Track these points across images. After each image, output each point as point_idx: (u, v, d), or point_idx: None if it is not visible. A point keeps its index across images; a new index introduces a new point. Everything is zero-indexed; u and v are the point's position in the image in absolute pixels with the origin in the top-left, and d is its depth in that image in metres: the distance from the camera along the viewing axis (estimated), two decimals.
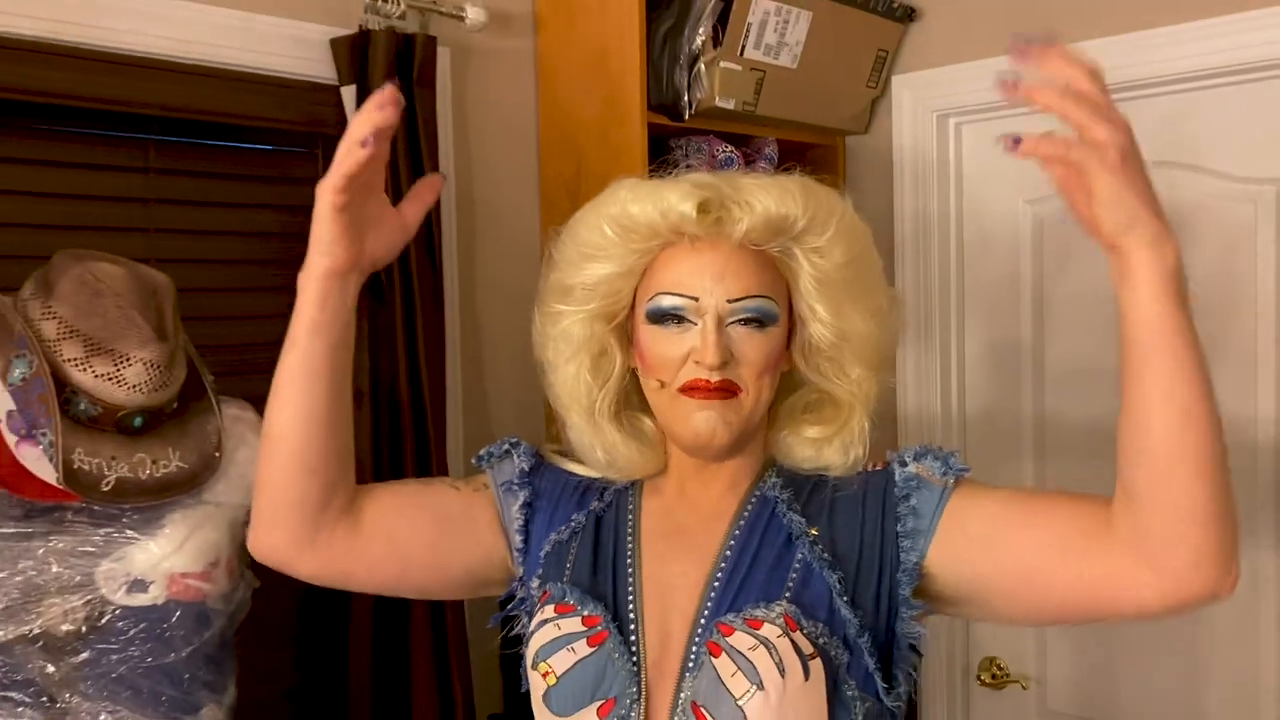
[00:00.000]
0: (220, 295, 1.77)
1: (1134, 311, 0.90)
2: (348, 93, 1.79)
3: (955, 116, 2.21)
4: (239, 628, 1.39)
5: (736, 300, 1.07)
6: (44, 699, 1.22)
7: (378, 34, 1.77)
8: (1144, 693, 2.04)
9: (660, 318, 1.09)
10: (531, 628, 1.11)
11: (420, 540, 1.15)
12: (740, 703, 0.99)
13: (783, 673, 0.99)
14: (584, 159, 2.03)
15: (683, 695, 1.04)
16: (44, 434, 1.17)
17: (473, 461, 1.26)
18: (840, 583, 1.06)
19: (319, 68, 1.79)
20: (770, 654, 0.99)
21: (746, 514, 1.13)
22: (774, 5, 1.96)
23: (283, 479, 1.07)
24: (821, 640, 1.03)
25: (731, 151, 2.05)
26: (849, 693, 1.04)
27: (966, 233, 2.24)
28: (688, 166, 2.04)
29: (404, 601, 1.75)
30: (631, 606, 1.10)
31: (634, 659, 1.07)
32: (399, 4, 1.80)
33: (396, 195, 1.73)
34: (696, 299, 1.07)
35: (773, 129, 2.14)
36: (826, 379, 1.14)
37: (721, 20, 1.93)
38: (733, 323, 1.08)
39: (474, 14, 1.91)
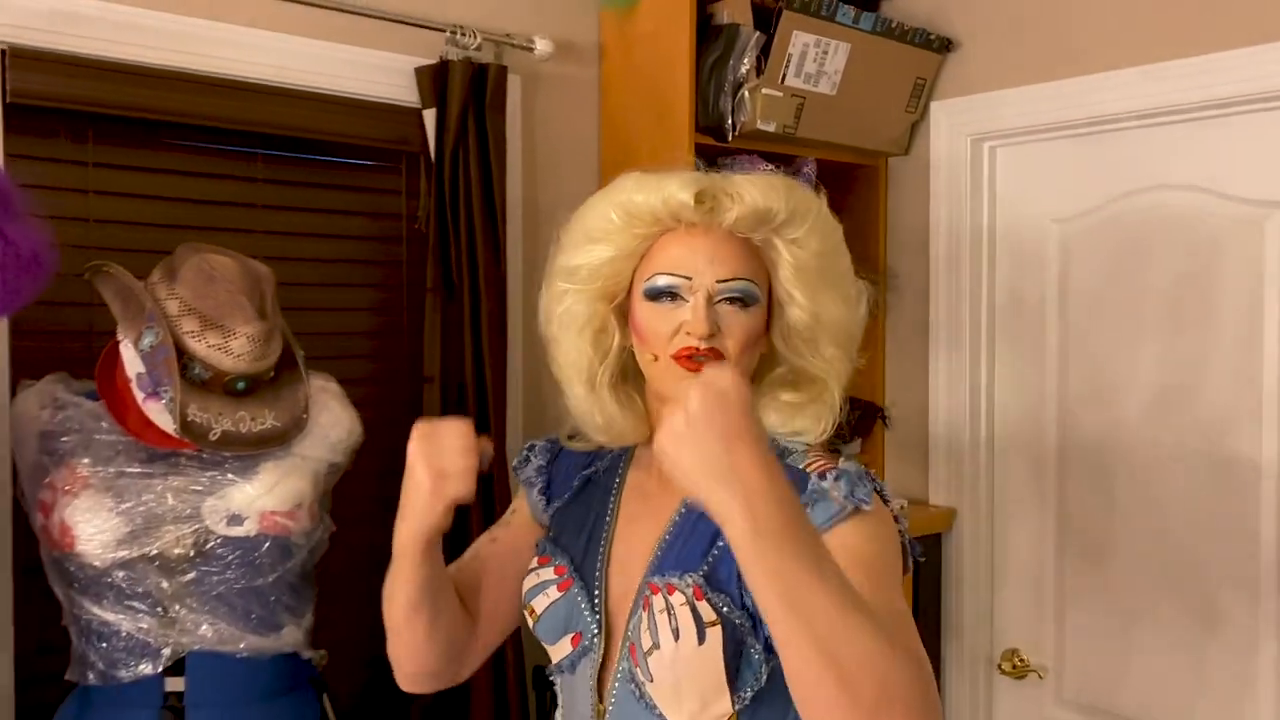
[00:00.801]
0: (313, 288, 2.03)
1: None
2: (429, 115, 2.03)
3: (989, 140, 2.36)
4: (317, 563, 1.63)
5: (725, 280, 1.18)
6: (159, 609, 1.47)
7: (456, 64, 2.01)
8: (1156, 685, 2.15)
9: (657, 295, 1.20)
10: (525, 575, 1.30)
11: (514, 609, 1.32)
12: (646, 654, 1.15)
13: (676, 636, 1.13)
14: None
15: (628, 634, 1.21)
16: (166, 391, 1.42)
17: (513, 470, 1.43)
18: None
19: (404, 93, 2.04)
20: (671, 619, 1.14)
21: None
22: (813, 38, 2.15)
23: (414, 666, 1.25)
24: (724, 609, 1.14)
25: (772, 170, 2.24)
26: (754, 655, 1.14)
27: (999, 249, 2.38)
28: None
29: None
30: (599, 559, 1.26)
31: (595, 602, 1.23)
32: (475, 37, 2.04)
33: (469, 211, 1.98)
34: (690, 278, 1.18)
35: (812, 149, 2.32)
36: (803, 358, 1.24)
37: (764, 51, 2.12)
38: (720, 301, 1.18)
39: (542, 45, 2.15)
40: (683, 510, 1.23)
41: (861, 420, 2.51)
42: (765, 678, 1.15)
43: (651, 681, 1.16)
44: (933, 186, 2.43)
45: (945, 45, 2.35)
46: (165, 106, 1.78)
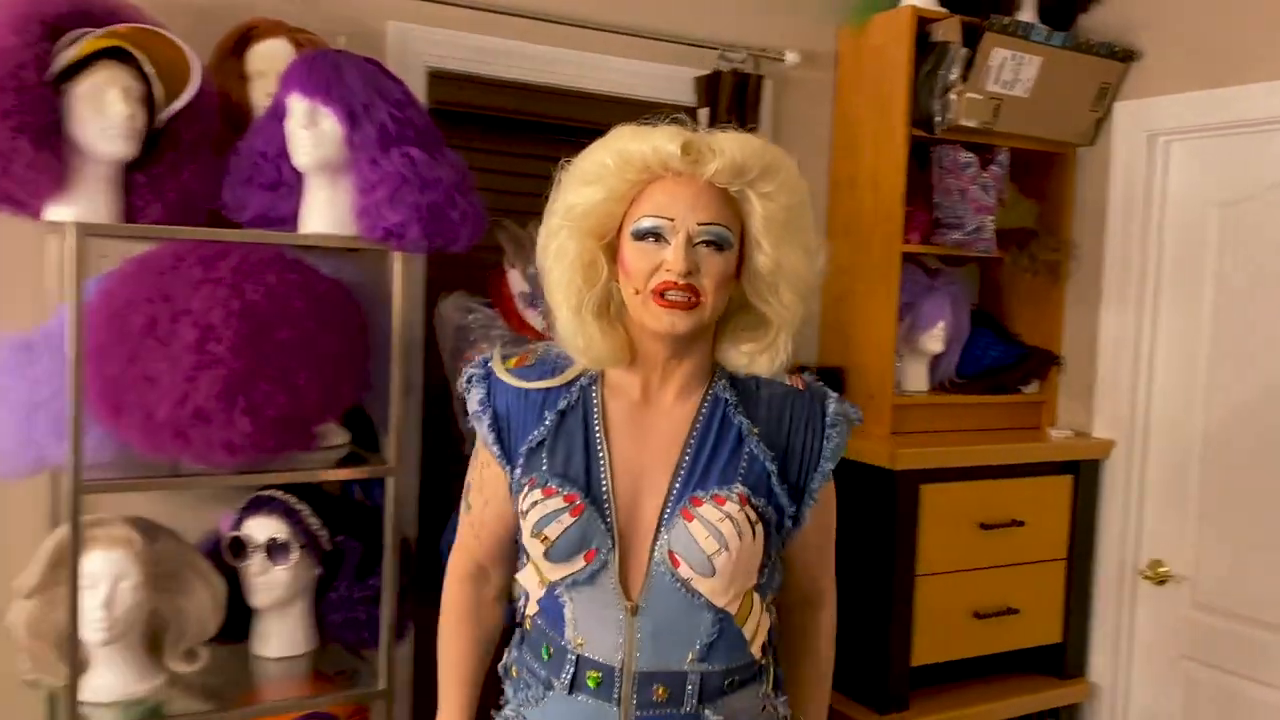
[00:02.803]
0: None
1: None
2: (703, 113, 2.69)
3: (1163, 136, 2.80)
4: None
5: (704, 224, 1.28)
6: None
7: (725, 74, 2.67)
8: None
9: (643, 235, 1.29)
10: (524, 507, 1.36)
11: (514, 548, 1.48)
12: (711, 557, 1.31)
13: (740, 537, 1.32)
14: (860, 160, 2.84)
15: (659, 545, 1.34)
16: (540, 303, 2.16)
17: (461, 389, 1.48)
18: (776, 469, 1.38)
19: (684, 96, 2.71)
20: (734, 525, 1.32)
21: (703, 413, 1.39)
22: (1010, 53, 2.68)
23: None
24: (762, 510, 1.36)
25: (971, 157, 2.78)
26: (775, 539, 1.40)
27: (1165, 227, 2.82)
28: (941, 169, 2.81)
29: None
30: (605, 483, 1.36)
31: (607, 521, 1.35)
32: (740, 52, 2.70)
33: None
34: (673, 219, 1.28)
35: (1008, 141, 2.84)
36: (765, 302, 1.35)
37: (969, 63, 2.67)
38: (699, 243, 1.28)
39: (791, 57, 2.78)
40: (696, 428, 1.38)
41: (1039, 365, 3.02)
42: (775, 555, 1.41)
43: (712, 575, 1.32)
44: (1112, 173, 2.89)
45: (1128, 56, 2.81)
46: (528, 110, 2.53)
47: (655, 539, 1.35)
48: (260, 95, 2.01)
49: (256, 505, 2.00)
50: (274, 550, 1.96)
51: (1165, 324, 2.84)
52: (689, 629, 1.35)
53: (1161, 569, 2.80)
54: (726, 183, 1.30)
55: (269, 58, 2.00)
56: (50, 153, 1.71)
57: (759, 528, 1.34)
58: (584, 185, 1.33)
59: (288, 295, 1.77)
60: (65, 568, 1.77)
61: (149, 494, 2.03)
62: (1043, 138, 2.89)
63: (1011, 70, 2.71)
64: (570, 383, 1.40)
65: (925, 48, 2.71)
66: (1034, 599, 2.82)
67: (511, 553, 1.48)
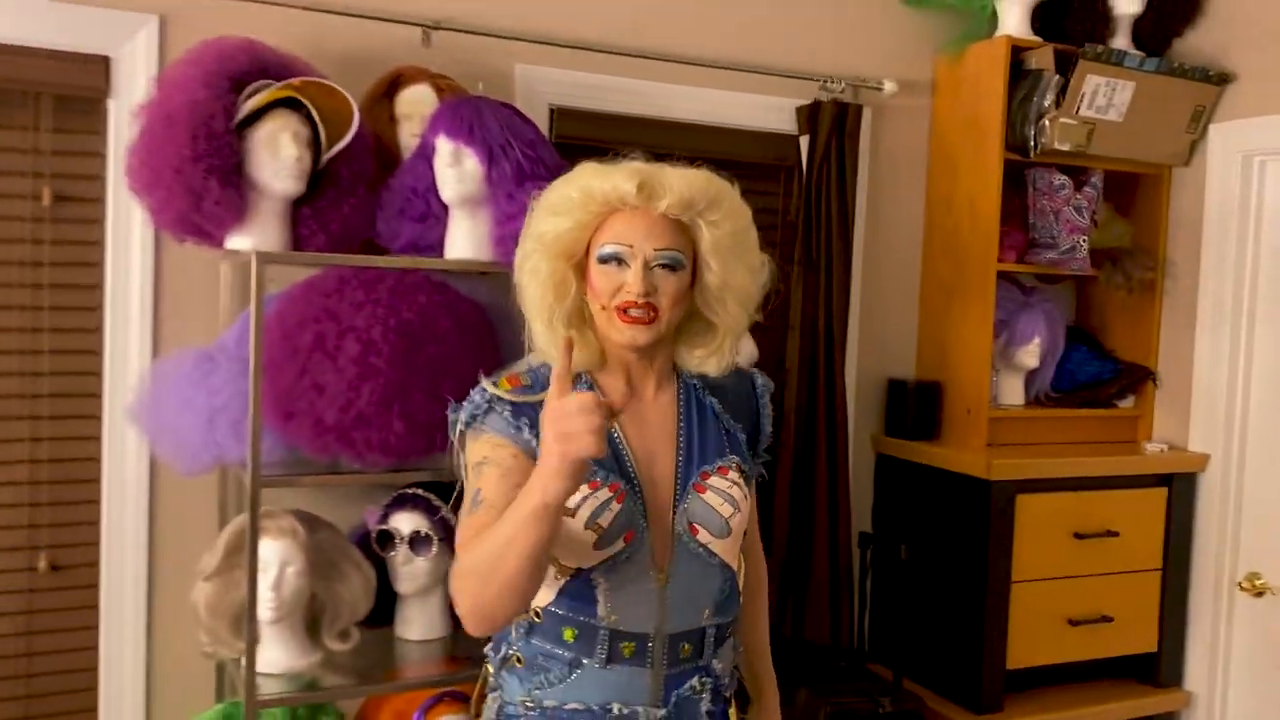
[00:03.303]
0: None
1: None
2: (804, 140, 2.86)
3: (1259, 156, 2.87)
4: None
5: (660, 249, 1.46)
6: None
7: (825, 104, 2.83)
8: None
9: (606, 259, 1.46)
10: (572, 504, 1.42)
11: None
12: (727, 519, 1.52)
13: (745, 497, 1.56)
14: (956, 183, 2.96)
15: (679, 518, 1.51)
16: None
17: (461, 429, 1.50)
18: (744, 438, 1.63)
19: (786, 125, 2.88)
20: (740, 489, 1.55)
21: (682, 400, 1.59)
22: (1103, 80, 2.78)
23: (501, 612, 1.32)
24: (746, 471, 1.60)
25: (1065, 179, 2.89)
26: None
27: (1261, 246, 2.88)
28: (1035, 191, 2.92)
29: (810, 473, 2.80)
30: (632, 470, 1.52)
31: (640, 503, 1.50)
32: (840, 83, 2.86)
33: (828, 208, 2.80)
34: (631, 246, 1.45)
35: (1102, 163, 2.94)
36: (714, 314, 1.54)
37: (1062, 90, 2.78)
38: (655, 266, 1.46)
39: (889, 86, 2.93)
40: (681, 414, 1.58)
41: (1135, 380, 3.10)
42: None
43: (728, 536, 1.52)
44: (1208, 193, 2.96)
45: (1223, 79, 2.88)
46: (641, 141, 2.70)
47: (675, 514, 1.52)
48: (406, 135, 2.24)
49: (401, 501, 2.22)
50: (417, 542, 2.18)
51: (1261, 339, 2.89)
52: (706, 589, 1.53)
53: (1259, 581, 2.85)
54: (678, 214, 1.47)
55: (415, 102, 2.24)
56: (234, 190, 1.96)
57: (749, 489, 1.60)
58: (552, 215, 1.49)
59: (435, 314, 1.99)
60: (241, 554, 2.02)
61: (304, 490, 2.27)
62: (1138, 159, 2.97)
63: (1105, 96, 2.81)
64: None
65: (1019, 75, 2.83)
66: (1129, 608, 2.89)
67: None
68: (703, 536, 1.51)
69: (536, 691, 1.51)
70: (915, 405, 2.93)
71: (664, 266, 1.46)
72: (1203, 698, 2.97)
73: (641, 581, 1.48)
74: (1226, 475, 2.92)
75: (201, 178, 1.92)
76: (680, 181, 1.47)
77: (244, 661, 1.96)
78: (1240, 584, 2.89)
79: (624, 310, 1.46)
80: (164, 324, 2.29)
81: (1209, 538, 2.96)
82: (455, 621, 2.27)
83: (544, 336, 1.52)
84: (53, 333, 2.26)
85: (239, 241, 2.03)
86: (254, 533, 1.93)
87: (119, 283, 2.26)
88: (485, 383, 1.51)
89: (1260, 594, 2.85)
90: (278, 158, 1.99)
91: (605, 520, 1.45)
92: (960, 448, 2.83)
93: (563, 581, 1.49)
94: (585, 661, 1.49)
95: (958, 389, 2.92)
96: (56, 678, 2.31)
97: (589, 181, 1.48)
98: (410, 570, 2.20)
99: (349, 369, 1.90)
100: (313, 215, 2.07)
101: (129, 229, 2.25)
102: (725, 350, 1.57)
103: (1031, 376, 3.06)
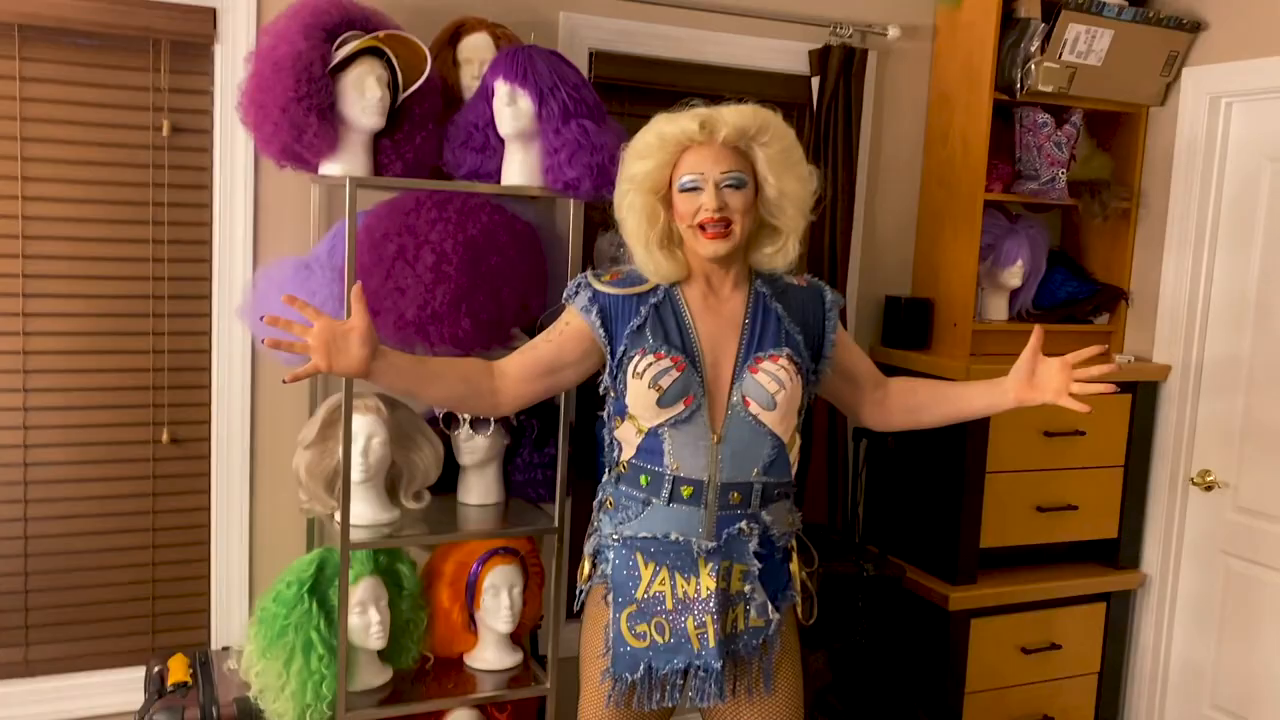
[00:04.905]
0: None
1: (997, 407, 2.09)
2: (814, 81, 3.20)
3: (1225, 98, 3.18)
4: None
5: (725, 172, 1.82)
6: None
7: (834, 48, 3.16)
8: None
9: (685, 188, 1.84)
10: (639, 369, 1.85)
11: (542, 387, 1.97)
12: (774, 395, 1.86)
13: (791, 378, 1.88)
14: (953, 119, 3.29)
15: (735, 392, 1.88)
16: None
17: (563, 299, 2.03)
18: (802, 339, 1.95)
19: (799, 67, 3.22)
20: (786, 374, 1.88)
21: (750, 302, 1.94)
22: (1084, 28, 3.10)
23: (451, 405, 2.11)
24: (799, 363, 1.92)
25: (1048, 117, 3.22)
26: (807, 386, 1.97)
27: (1226, 178, 3.20)
28: (1022, 128, 3.25)
29: None
30: (696, 350, 1.89)
31: (699, 375, 1.87)
32: (848, 28, 3.19)
33: (835, 143, 3.15)
34: (703, 173, 1.82)
35: (1082, 103, 3.26)
36: (775, 218, 1.90)
37: (1047, 37, 3.09)
38: (724, 186, 1.82)
39: (893, 32, 3.26)
40: (748, 312, 1.94)
41: (1109, 299, 3.45)
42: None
43: (774, 409, 1.87)
44: (1179, 131, 3.28)
45: (1195, 26, 3.19)
46: (671, 81, 3.09)
47: (732, 388, 1.89)
48: (468, 78, 2.62)
49: None
50: (476, 423, 2.61)
51: (1221, 264, 3.23)
52: (755, 452, 1.89)
53: (1209, 477, 3.23)
54: (735, 142, 1.84)
55: (474, 48, 2.61)
56: (329, 125, 2.35)
57: (799, 377, 1.93)
58: (639, 160, 1.88)
59: (496, 231, 2.38)
60: (334, 427, 2.46)
61: None
62: (1116, 100, 3.29)
63: (1085, 42, 3.13)
64: (655, 288, 1.93)
65: (1010, 22, 3.14)
66: (1092, 498, 3.29)
67: (529, 378, 1.96)
68: (753, 408, 1.88)
69: (620, 525, 1.94)
70: (908, 319, 3.30)
71: (730, 185, 1.83)
72: (1156, 578, 3.37)
73: (700, 439, 1.87)
74: (1185, 384, 3.29)
75: (303, 114, 2.31)
76: (733, 115, 1.84)
77: (338, 515, 2.40)
78: (1193, 479, 3.27)
79: (704, 226, 1.83)
80: (262, 236, 2.70)
81: (1167, 438, 3.33)
82: (507, 490, 2.72)
83: (642, 256, 1.91)
84: (171, 244, 2.68)
85: (330, 168, 2.43)
86: (348, 409, 2.36)
87: (225, 201, 2.67)
88: (589, 273, 1.98)
89: (1210, 488, 3.23)
90: (364, 97, 2.37)
91: (664, 382, 1.84)
92: (947, 356, 3.21)
93: (641, 438, 1.90)
94: (654, 501, 1.90)
95: (946, 305, 3.29)
96: (177, 532, 2.77)
97: (662, 128, 1.86)
98: (471, 446, 2.63)
99: (425, 275, 2.30)
100: (391, 146, 2.46)
101: (234, 156, 2.65)
102: (790, 248, 1.93)
103: (1015, 295, 3.42)
